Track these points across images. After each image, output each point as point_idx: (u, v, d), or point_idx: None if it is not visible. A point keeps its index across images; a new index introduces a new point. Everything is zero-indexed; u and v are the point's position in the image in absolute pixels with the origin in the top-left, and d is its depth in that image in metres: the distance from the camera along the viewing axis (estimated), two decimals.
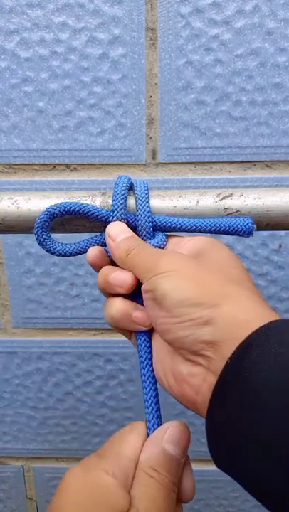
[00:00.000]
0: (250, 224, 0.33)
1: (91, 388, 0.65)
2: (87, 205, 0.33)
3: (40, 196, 0.34)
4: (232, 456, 0.24)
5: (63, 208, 0.33)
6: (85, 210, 0.33)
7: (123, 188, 0.33)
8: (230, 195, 0.34)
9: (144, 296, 0.30)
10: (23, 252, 0.58)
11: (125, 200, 0.33)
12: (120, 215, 0.33)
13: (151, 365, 0.32)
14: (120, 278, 0.32)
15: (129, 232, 0.33)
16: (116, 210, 0.33)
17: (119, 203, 0.33)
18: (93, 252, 0.34)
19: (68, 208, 0.33)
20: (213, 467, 0.76)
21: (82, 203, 0.33)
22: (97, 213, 0.33)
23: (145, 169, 0.54)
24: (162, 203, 0.34)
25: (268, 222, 0.34)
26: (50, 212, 0.33)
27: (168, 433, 0.29)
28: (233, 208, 0.34)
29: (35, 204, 0.34)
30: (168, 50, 0.50)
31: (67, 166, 0.55)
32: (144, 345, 0.32)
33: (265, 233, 0.56)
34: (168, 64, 0.50)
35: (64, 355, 0.63)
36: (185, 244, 0.33)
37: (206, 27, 0.49)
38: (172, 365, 0.29)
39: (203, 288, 0.27)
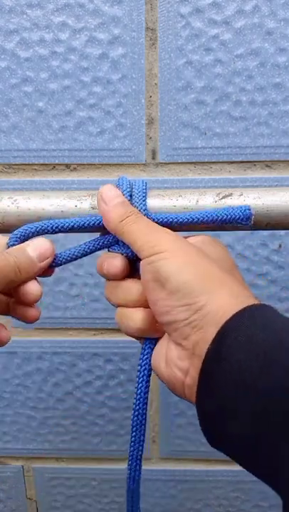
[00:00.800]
0: (247, 210, 0.33)
1: (91, 388, 0.65)
2: (79, 220, 0.33)
3: (40, 196, 0.34)
4: (220, 433, 0.27)
5: (55, 225, 0.33)
6: (83, 225, 0.33)
7: (126, 190, 0.33)
8: (230, 194, 0.34)
9: (145, 275, 0.30)
10: None
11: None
12: None
13: (149, 370, 0.34)
14: None
15: (124, 198, 0.33)
16: None
17: None
18: (121, 262, 0.33)
19: (62, 225, 0.33)
20: (213, 467, 0.76)
21: (72, 220, 0.33)
22: (93, 226, 0.33)
23: (145, 169, 0.54)
24: (162, 202, 0.34)
25: (268, 222, 0.34)
26: (25, 232, 0.33)
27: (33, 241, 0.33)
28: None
29: (35, 204, 0.34)
30: (168, 50, 0.50)
31: (67, 166, 0.55)
32: (148, 347, 0.34)
33: (265, 233, 0.56)
34: (168, 64, 0.51)
35: (64, 355, 0.63)
36: None
37: (206, 27, 0.49)
38: (166, 350, 0.30)
39: (204, 275, 0.28)
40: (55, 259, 0.34)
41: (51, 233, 0.33)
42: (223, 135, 0.53)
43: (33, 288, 0.33)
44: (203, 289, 0.28)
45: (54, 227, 0.33)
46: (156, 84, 0.51)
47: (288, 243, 0.57)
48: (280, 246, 0.57)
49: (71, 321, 0.62)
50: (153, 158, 0.54)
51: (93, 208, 0.34)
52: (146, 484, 0.69)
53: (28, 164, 0.55)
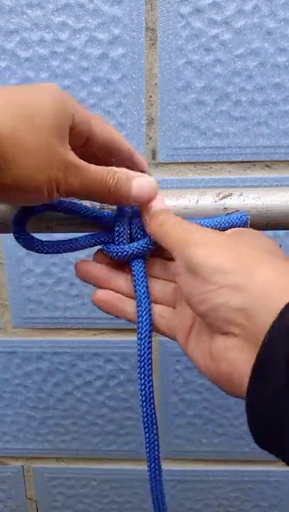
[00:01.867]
0: (244, 217, 0.33)
1: (91, 388, 0.65)
2: (91, 208, 0.33)
3: None
4: (274, 432, 0.24)
5: (66, 205, 0.33)
6: (87, 212, 0.33)
7: None
8: (230, 194, 0.34)
9: (177, 270, 0.29)
10: (23, 251, 0.58)
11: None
12: (126, 219, 0.33)
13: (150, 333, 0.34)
14: None
15: (164, 206, 0.33)
16: (122, 215, 0.33)
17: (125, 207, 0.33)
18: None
19: (70, 207, 0.33)
20: (213, 467, 0.76)
21: (87, 206, 0.33)
22: (103, 218, 0.33)
23: None
24: None
25: (268, 222, 0.34)
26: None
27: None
28: (233, 207, 0.34)
29: None
30: (168, 50, 0.50)
31: None
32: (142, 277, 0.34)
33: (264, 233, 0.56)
34: (168, 64, 0.51)
35: (64, 355, 0.63)
36: None
37: (206, 27, 0.49)
38: (210, 346, 0.28)
39: (237, 256, 0.27)
40: (49, 245, 0.34)
41: (59, 211, 0.33)
42: (223, 135, 0.53)
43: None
44: (240, 268, 0.26)
45: (63, 207, 0.33)
46: (156, 84, 0.51)
47: (288, 243, 0.57)
48: (279, 246, 0.57)
49: (71, 321, 0.62)
50: (153, 158, 0.54)
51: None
52: (146, 484, 0.69)
53: None
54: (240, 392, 0.26)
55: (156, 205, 0.32)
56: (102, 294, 0.36)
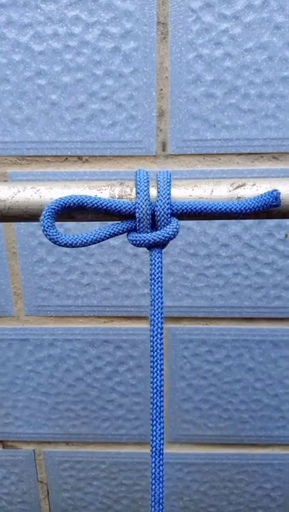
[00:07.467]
0: (275, 192, 0.34)
1: (101, 374, 0.67)
2: (109, 200, 0.34)
3: (62, 186, 0.35)
4: None
5: (77, 200, 0.34)
6: (106, 205, 0.34)
7: (144, 178, 0.35)
8: (244, 184, 0.35)
9: None
10: (36, 241, 0.60)
11: (148, 191, 0.34)
12: (146, 205, 0.34)
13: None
14: None
15: None
16: (142, 202, 0.34)
17: (143, 194, 0.34)
18: None
19: (85, 201, 0.34)
20: (218, 450, 0.78)
21: (102, 198, 0.34)
22: (120, 208, 0.34)
23: (155, 161, 0.56)
24: (178, 192, 0.36)
25: (279, 211, 0.36)
26: (61, 203, 0.33)
27: None
28: (246, 197, 0.35)
29: (57, 193, 0.35)
30: (178, 44, 0.51)
31: (79, 157, 0.56)
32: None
33: (271, 223, 0.58)
34: (178, 58, 0.52)
35: (75, 342, 0.65)
36: None
37: (216, 21, 0.50)
38: None
39: None
40: (75, 240, 0.35)
41: (86, 210, 0.34)
42: (232, 127, 0.54)
43: None
44: None
45: (87, 202, 0.34)
46: (166, 77, 0.53)
47: None
48: (286, 235, 0.58)
49: (82, 309, 0.63)
50: (163, 149, 0.55)
51: (112, 198, 0.35)
52: None
53: (41, 156, 0.56)
54: None
55: None
56: None
